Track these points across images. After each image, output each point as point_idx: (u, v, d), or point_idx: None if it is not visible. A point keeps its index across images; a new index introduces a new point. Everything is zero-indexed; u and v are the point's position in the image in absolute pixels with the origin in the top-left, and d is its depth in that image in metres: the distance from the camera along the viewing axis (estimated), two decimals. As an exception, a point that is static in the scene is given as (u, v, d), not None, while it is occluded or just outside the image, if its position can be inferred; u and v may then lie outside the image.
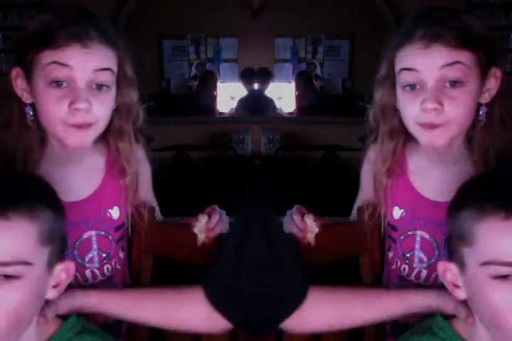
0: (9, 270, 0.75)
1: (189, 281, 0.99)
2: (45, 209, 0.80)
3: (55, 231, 0.82)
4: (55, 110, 1.01)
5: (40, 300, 0.82)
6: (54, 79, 1.00)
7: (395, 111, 1.11)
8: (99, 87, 1.03)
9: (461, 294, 0.84)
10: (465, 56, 1.00)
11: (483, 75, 1.04)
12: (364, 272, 1.26)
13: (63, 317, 0.89)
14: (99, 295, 0.95)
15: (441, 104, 1.00)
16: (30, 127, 1.07)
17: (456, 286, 0.84)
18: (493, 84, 1.06)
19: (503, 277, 0.75)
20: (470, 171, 1.09)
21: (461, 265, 0.82)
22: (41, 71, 1.01)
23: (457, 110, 1.01)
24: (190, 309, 0.96)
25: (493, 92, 1.06)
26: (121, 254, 1.22)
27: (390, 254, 1.23)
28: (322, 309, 0.95)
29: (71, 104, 1.00)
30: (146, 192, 1.25)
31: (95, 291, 0.96)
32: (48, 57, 1.00)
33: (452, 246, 0.84)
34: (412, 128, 1.06)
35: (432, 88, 1.01)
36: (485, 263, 0.76)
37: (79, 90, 1.00)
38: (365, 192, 1.26)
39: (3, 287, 0.75)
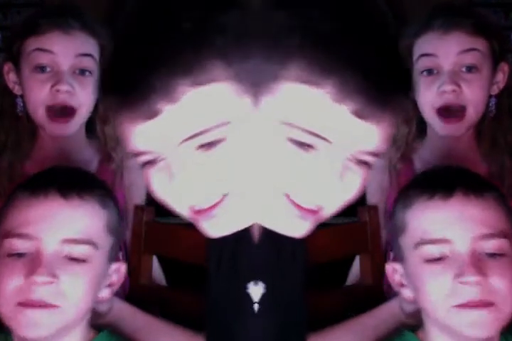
0: (77, 249, 0.75)
1: (188, 282, 0.98)
2: (111, 201, 0.83)
3: (118, 225, 0.83)
4: (37, 92, 1.05)
5: (95, 296, 0.79)
6: (38, 65, 1.05)
7: None
8: (82, 72, 1.07)
9: (407, 293, 0.82)
10: (481, 44, 1.05)
11: (495, 67, 1.08)
12: (364, 272, 1.25)
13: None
14: (122, 305, 0.91)
15: (458, 85, 1.03)
16: (20, 118, 1.10)
17: (403, 285, 0.82)
18: (501, 77, 1.10)
19: (436, 260, 0.75)
20: (480, 170, 1.05)
21: (401, 258, 0.81)
22: (26, 59, 1.06)
23: (474, 93, 1.05)
24: None
25: (502, 85, 1.10)
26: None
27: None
28: None
29: (53, 85, 1.04)
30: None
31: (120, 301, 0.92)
32: (31, 44, 1.05)
33: (393, 243, 0.84)
34: (428, 114, 1.08)
35: (448, 72, 1.04)
36: (416, 245, 0.77)
37: (62, 74, 1.05)
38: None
39: (70, 269, 0.74)
